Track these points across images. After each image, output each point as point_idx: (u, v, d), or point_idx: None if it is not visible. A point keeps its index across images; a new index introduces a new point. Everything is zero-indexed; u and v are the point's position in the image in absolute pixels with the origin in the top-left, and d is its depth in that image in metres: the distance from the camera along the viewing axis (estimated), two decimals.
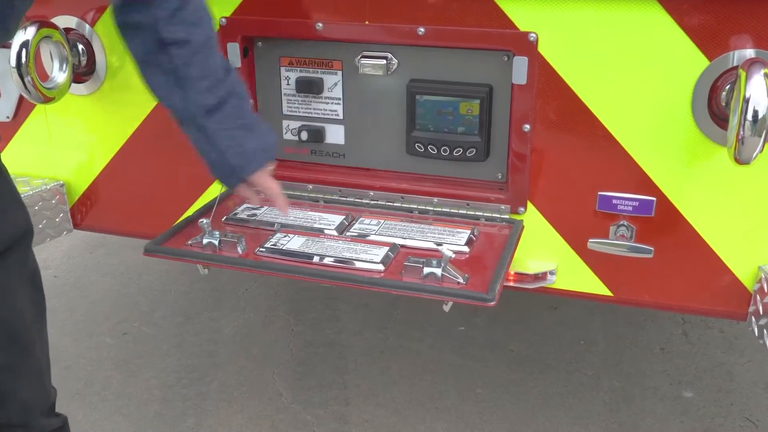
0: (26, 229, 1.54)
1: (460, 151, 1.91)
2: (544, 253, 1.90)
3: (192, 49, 1.50)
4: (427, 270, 1.60)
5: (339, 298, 3.43)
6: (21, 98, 2.22)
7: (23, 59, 1.95)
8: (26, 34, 1.96)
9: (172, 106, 1.56)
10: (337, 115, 2.02)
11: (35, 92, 2.00)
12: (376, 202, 2.00)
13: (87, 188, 2.27)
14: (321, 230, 1.82)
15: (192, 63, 1.51)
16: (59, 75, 2.06)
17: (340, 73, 1.97)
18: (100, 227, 2.31)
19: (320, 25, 1.88)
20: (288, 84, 2.02)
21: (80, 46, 2.11)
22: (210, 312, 3.35)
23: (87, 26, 2.10)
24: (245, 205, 1.96)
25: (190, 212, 2.13)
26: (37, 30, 1.97)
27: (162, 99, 1.57)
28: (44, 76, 2.05)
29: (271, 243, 1.73)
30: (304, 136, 2.03)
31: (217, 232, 1.73)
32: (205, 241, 1.72)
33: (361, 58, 1.92)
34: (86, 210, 2.29)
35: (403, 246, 1.75)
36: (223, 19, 1.95)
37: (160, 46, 1.48)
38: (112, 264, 3.82)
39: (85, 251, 3.95)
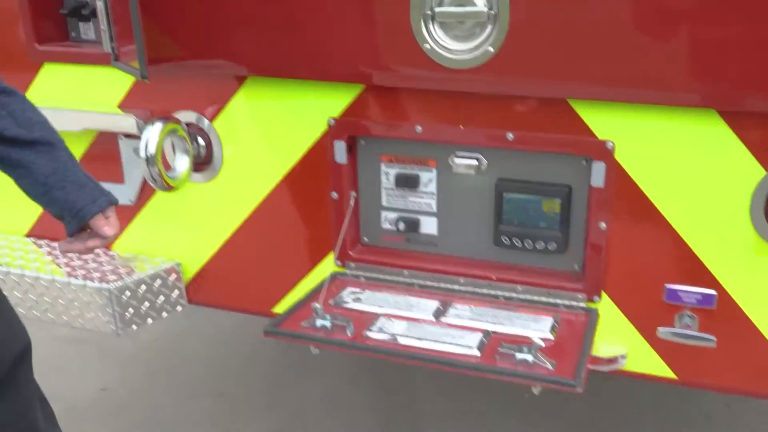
0: (28, 343, 1.64)
1: (541, 244, 2.03)
2: (616, 338, 2.00)
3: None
4: (519, 356, 1.72)
5: (414, 367, 3.54)
6: (143, 184, 2.40)
7: (152, 152, 2.09)
8: (154, 128, 2.10)
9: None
10: (431, 208, 2.15)
11: (161, 182, 2.14)
12: (465, 288, 2.12)
13: (202, 267, 2.42)
14: (419, 315, 1.95)
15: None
16: (181, 165, 2.21)
17: (434, 170, 2.12)
18: (212, 303, 2.45)
19: (419, 128, 2.03)
20: (387, 179, 2.17)
21: (200, 139, 2.28)
22: (299, 377, 3.46)
23: (206, 121, 2.27)
24: (349, 289, 2.10)
25: (296, 291, 2.28)
26: (164, 125, 2.12)
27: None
28: (167, 166, 2.19)
29: (377, 327, 1.87)
30: (401, 226, 2.17)
31: (329, 316, 1.86)
32: (318, 323, 1.86)
33: (454, 157, 2.06)
34: (200, 287, 2.44)
35: (494, 332, 1.87)
36: (332, 120, 2.12)
37: None
38: (206, 329, 3.96)
39: (182, 316, 4.09)
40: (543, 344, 1.73)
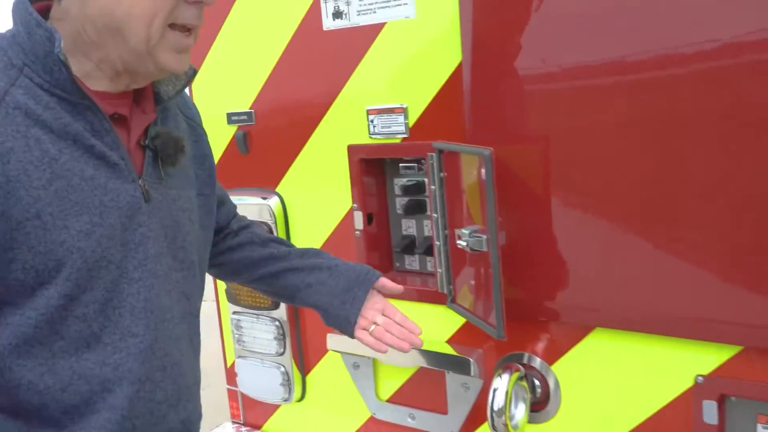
0: None
1: None
2: None
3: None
4: None
5: None
6: (467, 417, 2.18)
7: (500, 405, 1.92)
8: (502, 381, 1.94)
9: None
10: None
11: (503, 430, 1.94)
12: None
13: None
14: None
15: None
16: (519, 413, 1.99)
17: None
18: None
19: None
20: None
21: (536, 381, 2.04)
22: None
23: (543, 363, 2.03)
24: None
25: None
26: (511, 376, 1.95)
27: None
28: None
29: None
30: None
31: None
32: None
33: None
34: None
35: None
36: (700, 377, 1.79)
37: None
38: None
39: None
40: None
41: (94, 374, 1.32)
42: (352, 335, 1.74)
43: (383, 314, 1.75)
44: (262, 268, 1.81)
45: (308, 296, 1.76)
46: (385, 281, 1.79)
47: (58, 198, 1.25)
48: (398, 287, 1.81)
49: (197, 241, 1.58)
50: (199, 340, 1.61)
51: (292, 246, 1.90)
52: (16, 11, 1.30)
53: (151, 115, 1.45)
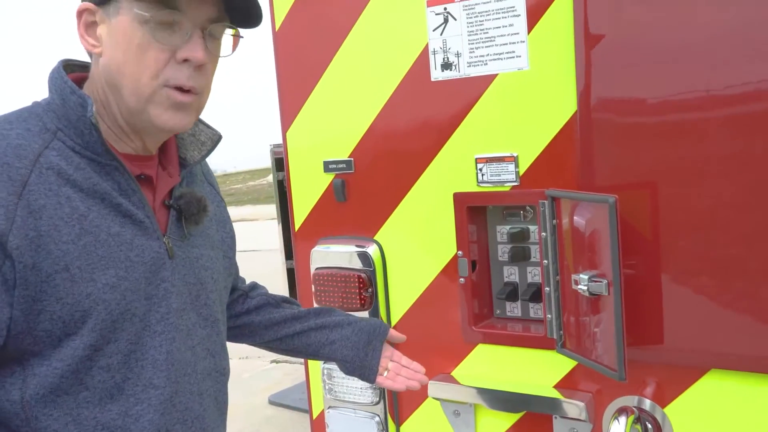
0: None
1: None
2: None
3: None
4: None
5: None
6: None
7: None
8: (620, 425, 1.98)
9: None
10: None
11: None
12: None
13: None
14: None
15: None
16: None
17: None
18: None
19: None
20: None
21: (648, 424, 2.09)
22: None
23: (648, 402, 2.09)
24: None
25: None
26: (627, 419, 2.00)
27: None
28: None
29: None
30: None
31: None
32: None
33: None
34: None
35: None
36: None
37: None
38: None
39: None
40: None
41: (116, 425, 1.40)
42: (373, 382, 1.96)
43: (391, 360, 1.98)
44: (286, 328, 1.96)
45: (333, 351, 1.95)
46: (393, 332, 2.02)
47: (86, 252, 1.35)
48: (403, 336, 2.05)
49: (220, 300, 1.69)
50: (225, 399, 1.70)
51: (298, 304, 2.08)
52: (52, 80, 1.45)
53: (176, 178, 1.59)
